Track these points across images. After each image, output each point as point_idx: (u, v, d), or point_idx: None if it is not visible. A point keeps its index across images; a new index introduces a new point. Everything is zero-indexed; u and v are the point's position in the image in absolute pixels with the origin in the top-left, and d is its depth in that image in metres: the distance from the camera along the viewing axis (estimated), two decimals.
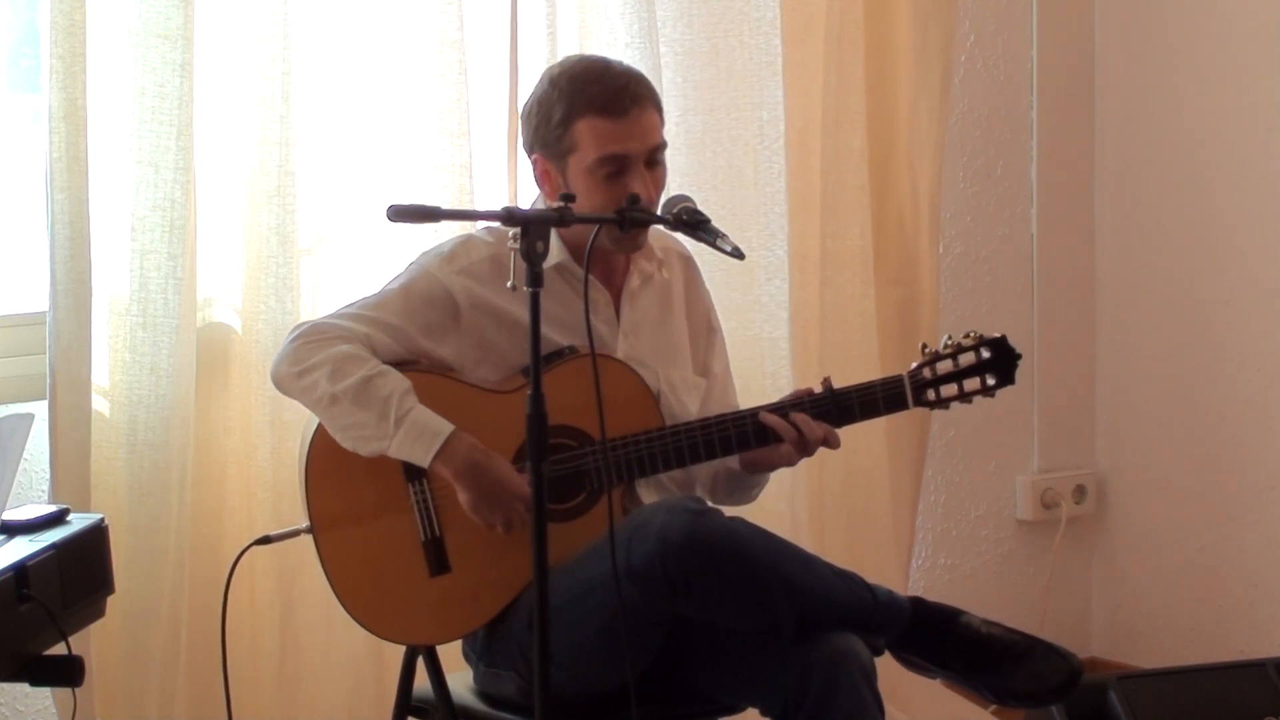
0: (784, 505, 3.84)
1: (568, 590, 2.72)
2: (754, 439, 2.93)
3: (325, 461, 2.87)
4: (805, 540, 3.75)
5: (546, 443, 2.50)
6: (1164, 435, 4.46)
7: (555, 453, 2.86)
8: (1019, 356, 3.00)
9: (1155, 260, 4.45)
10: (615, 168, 2.89)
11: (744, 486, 3.10)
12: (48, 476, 3.14)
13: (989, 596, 4.36)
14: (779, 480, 3.81)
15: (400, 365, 2.87)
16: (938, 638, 2.90)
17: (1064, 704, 3.57)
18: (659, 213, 2.88)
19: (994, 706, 3.80)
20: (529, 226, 2.49)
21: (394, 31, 3.41)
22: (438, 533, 2.88)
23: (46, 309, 3.11)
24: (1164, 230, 4.43)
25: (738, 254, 2.78)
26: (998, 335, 3.00)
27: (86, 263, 3.11)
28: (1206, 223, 4.34)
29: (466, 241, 2.98)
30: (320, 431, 2.87)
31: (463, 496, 2.83)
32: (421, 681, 3.00)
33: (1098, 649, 4.60)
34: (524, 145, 3.01)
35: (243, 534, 3.31)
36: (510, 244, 2.50)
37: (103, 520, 2.70)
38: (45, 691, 3.21)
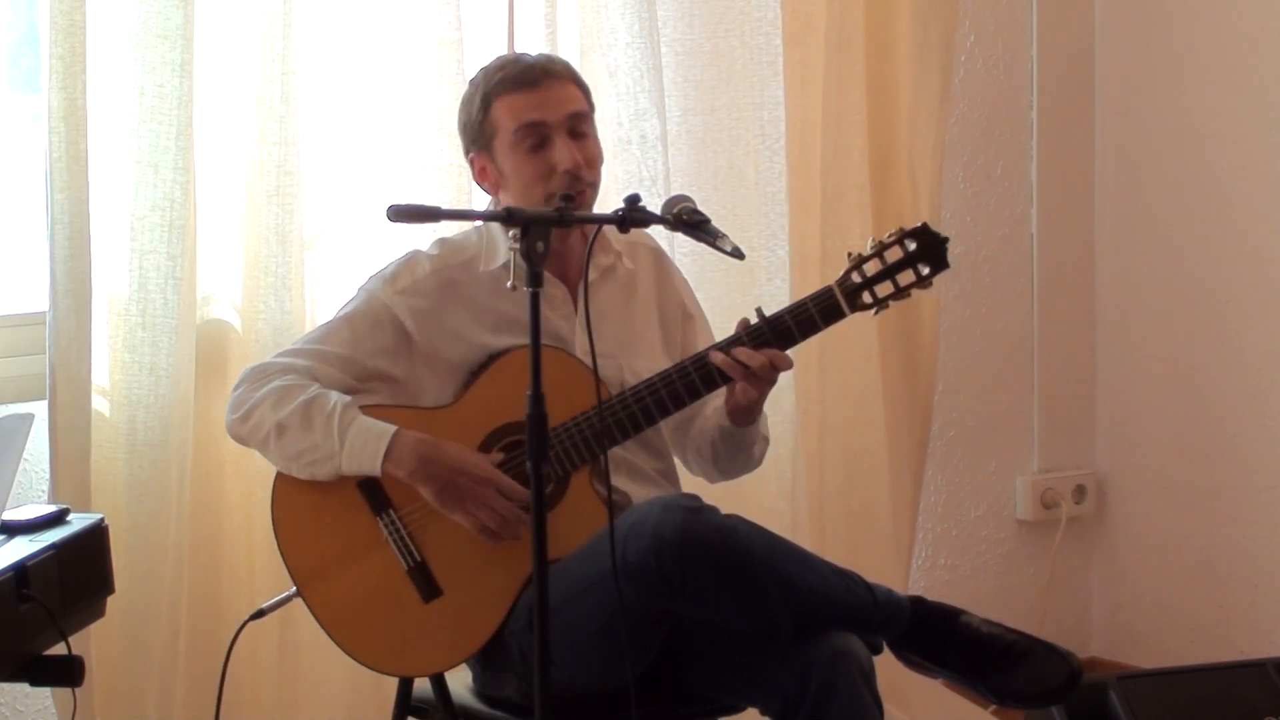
0: (784, 505, 3.84)
1: (565, 590, 2.71)
2: (702, 385, 2.90)
3: (291, 520, 2.87)
4: (805, 540, 3.75)
5: (547, 443, 2.49)
6: (1164, 435, 4.46)
7: (514, 450, 2.85)
8: (946, 240, 2.93)
9: (1155, 260, 4.45)
10: (535, 138, 2.93)
11: (743, 445, 3.06)
12: (48, 476, 3.14)
13: (989, 596, 4.36)
14: (779, 480, 3.82)
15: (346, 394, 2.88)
16: (938, 637, 2.89)
17: (1064, 704, 3.57)
18: (660, 210, 2.88)
19: (994, 706, 3.79)
20: (529, 226, 2.49)
21: (393, 32, 3.42)
22: (419, 559, 2.87)
23: (46, 309, 3.11)
24: (1164, 230, 4.43)
25: (738, 254, 2.78)
26: (919, 224, 2.93)
27: (86, 263, 3.11)
28: (1207, 222, 4.34)
29: (410, 260, 2.99)
30: (277, 493, 2.88)
31: (425, 493, 2.83)
32: (421, 682, 2.99)
33: (1098, 649, 4.60)
34: (464, 153, 3.06)
35: (241, 534, 3.31)
36: (510, 244, 2.50)
37: (103, 520, 2.70)
38: (45, 691, 3.21)
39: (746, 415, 2.98)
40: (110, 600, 2.74)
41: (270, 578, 3.30)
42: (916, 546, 4.26)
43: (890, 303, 2.93)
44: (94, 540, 2.66)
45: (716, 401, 3.00)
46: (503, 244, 2.96)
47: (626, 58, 3.56)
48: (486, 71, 3.02)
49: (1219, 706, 3.66)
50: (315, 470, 2.83)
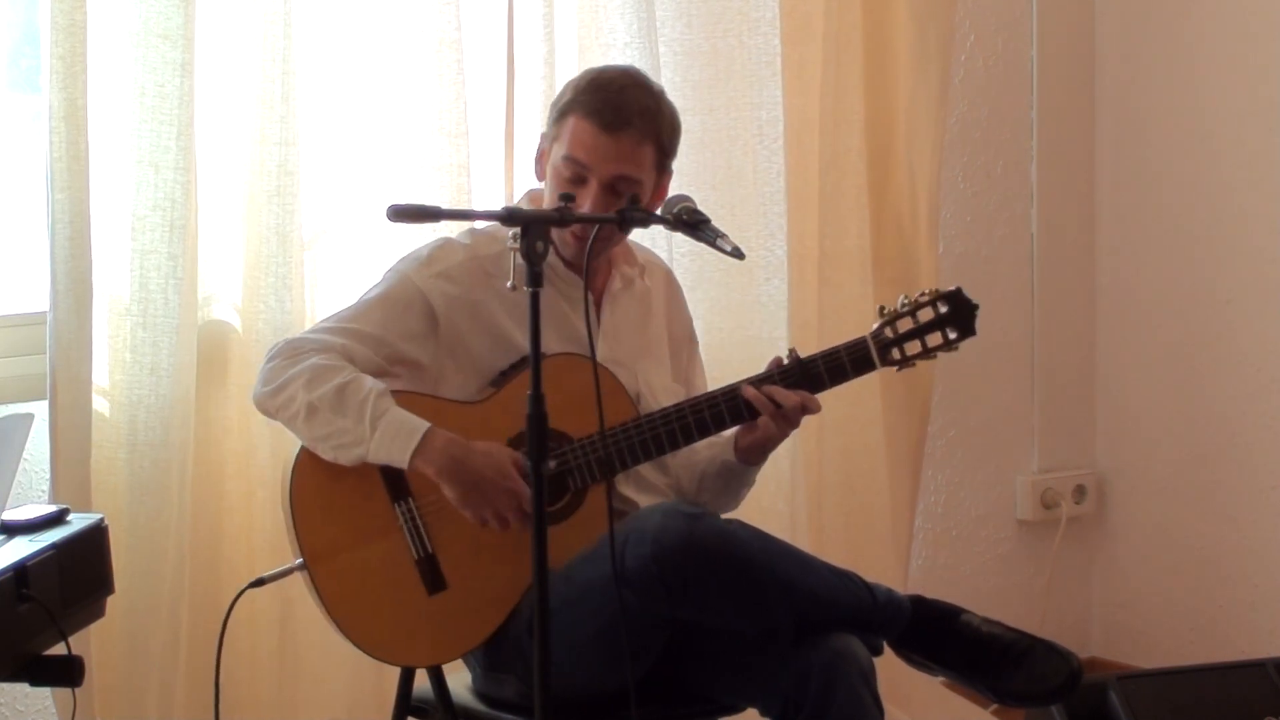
0: (783, 505, 3.84)
1: (566, 594, 2.71)
2: (729, 417, 2.92)
3: (309, 493, 2.86)
4: (804, 540, 3.75)
5: (547, 443, 2.49)
6: (1164, 435, 4.46)
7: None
8: (976, 306, 2.98)
9: (1155, 260, 4.45)
10: (573, 173, 2.90)
11: (741, 483, 3.09)
12: (48, 476, 3.14)
13: (989, 596, 4.36)
14: (778, 480, 3.82)
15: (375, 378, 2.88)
16: (938, 636, 2.90)
17: (1064, 704, 3.57)
18: (660, 210, 2.88)
19: (994, 706, 3.80)
20: (529, 226, 2.49)
21: (393, 32, 3.42)
22: (430, 551, 2.87)
23: (46, 309, 3.11)
24: (1164, 230, 4.43)
25: (738, 254, 2.78)
26: (953, 288, 2.98)
27: (87, 263, 3.11)
28: (1207, 222, 4.34)
29: (444, 245, 2.99)
30: (300, 465, 2.86)
31: (448, 493, 2.83)
32: (421, 682, 3.00)
33: (1098, 649, 4.60)
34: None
35: (242, 534, 3.31)
36: (510, 244, 2.50)
37: (103, 520, 2.70)
38: (45, 691, 3.21)
39: (759, 455, 3.01)
40: (110, 600, 2.73)
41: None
42: (916, 546, 4.26)
43: (915, 362, 2.97)
44: (94, 540, 2.66)
45: (712, 436, 2.99)
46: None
47: (625, 58, 3.56)
48: (592, 77, 2.96)
49: (1219, 706, 3.66)
50: (340, 454, 2.82)
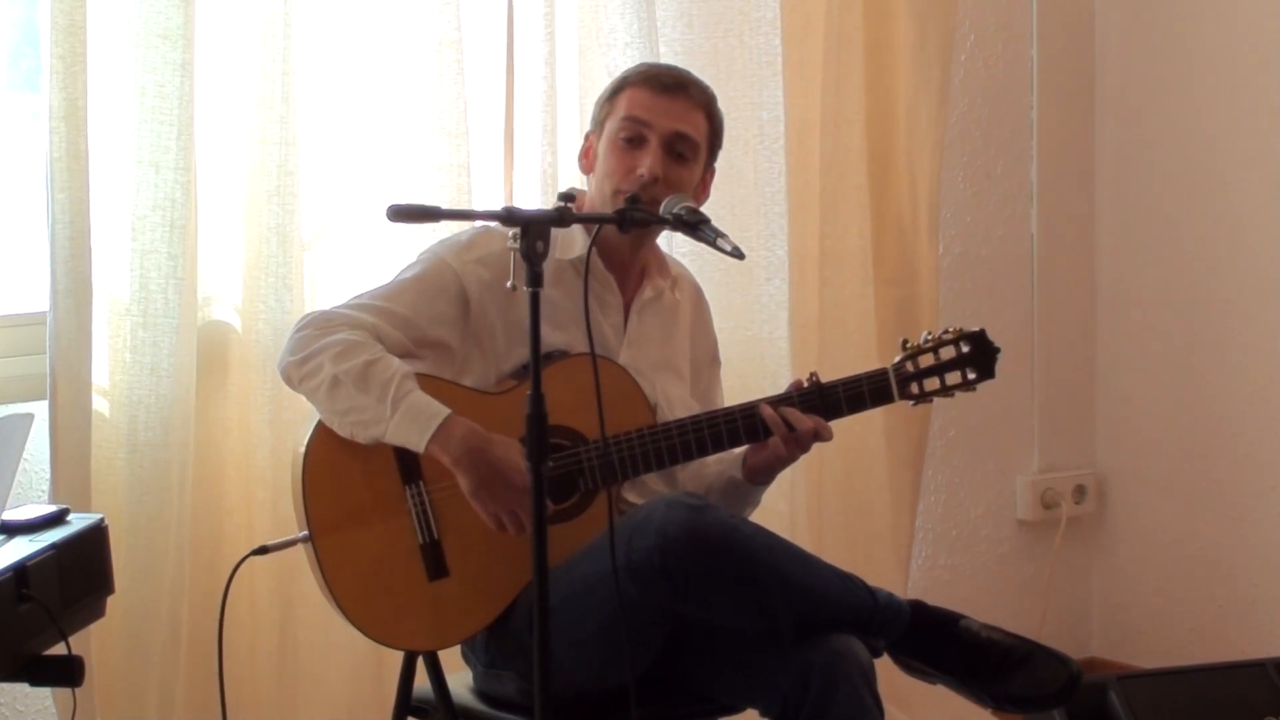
0: (784, 505, 3.84)
1: (567, 588, 2.72)
2: (744, 434, 2.93)
3: (321, 467, 2.86)
4: (804, 539, 3.75)
5: (548, 443, 2.49)
6: (1164, 435, 4.46)
7: (550, 453, 2.86)
8: (997, 350, 3.02)
9: (1155, 260, 4.45)
10: (633, 133, 2.96)
11: (746, 501, 3.09)
12: (48, 476, 3.13)
13: (989, 596, 4.36)
14: (779, 480, 3.81)
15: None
16: (937, 642, 2.90)
17: (1064, 707, 3.56)
18: (660, 210, 2.89)
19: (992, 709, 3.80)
20: (529, 226, 2.49)
21: (393, 32, 3.42)
22: (435, 537, 2.87)
23: (46, 309, 3.11)
24: (1164, 230, 4.43)
25: (737, 254, 2.78)
26: (976, 330, 3.02)
27: (87, 263, 3.11)
28: (1207, 222, 4.34)
29: (485, 232, 2.98)
30: (315, 438, 2.86)
31: (462, 482, 2.82)
32: (421, 681, 3.00)
33: (1098, 649, 4.60)
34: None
35: (242, 534, 3.31)
36: (510, 244, 2.50)
37: (102, 520, 2.70)
38: (45, 691, 3.21)
39: (766, 475, 3.02)
40: (110, 600, 2.73)
41: (271, 578, 3.30)
42: (916, 546, 4.26)
43: (933, 398, 3.01)
44: (94, 540, 2.66)
45: (724, 452, 3.01)
46: (580, 238, 2.97)
47: (625, 58, 3.56)
48: (638, 66, 3.12)
49: (1219, 706, 3.66)
50: (358, 431, 2.82)
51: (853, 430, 4.00)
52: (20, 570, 2.45)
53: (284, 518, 3.14)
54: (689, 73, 3.08)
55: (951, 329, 3.02)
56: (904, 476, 4.13)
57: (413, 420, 2.80)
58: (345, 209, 3.43)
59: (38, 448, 3.14)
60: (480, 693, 2.99)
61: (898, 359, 2.99)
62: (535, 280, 2.48)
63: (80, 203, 3.09)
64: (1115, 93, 4.50)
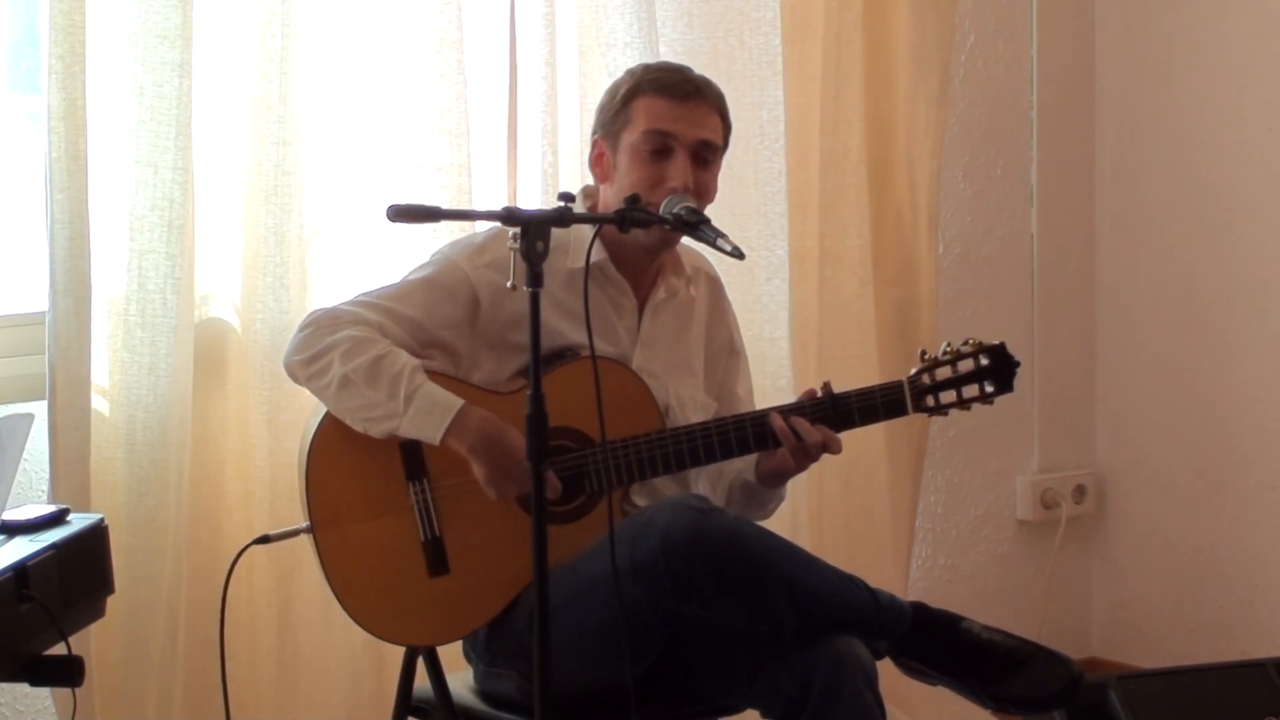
0: (784, 506, 3.82)
1: (570, 588, 2.72)
2: (754, 442, 2.93)
3: (326, 460, 2.86)
4: (804, 539, 3.75)
5: (547, 443, 2.49)
6: (1164, 435, 4.46)
7: (555, 454, 2.86)
8: (1018, 364, 2.99)
9: (1155, 260, 4.45)
10: (659, 145, 2.93)
11: (758, 502, 3.10)
12: (48, 476, 3.13)
13: (989, 596, 4.36)
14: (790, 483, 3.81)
15: None
16: (938, 643, 2.90)
17: (1064, 708, 3.56)
18: (660, 210, 2.89)
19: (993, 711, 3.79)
20: (529, 226, 2.49)
21: (393, 32, 3.41)
22: (437, 533, 2.87)
23: (46, 309, 3.11)
24: (1164, 230, 4.43)
25: (738, 254, 2.78)
26: (997, 343, 2.99)
27: (86, 263, 3.10)
28: (1206, 222, 4.34)
29: (499, 234, 2.96)
30: (321, 430, 2.86)
31: (478, 470, 2.82)
32: (421, 681, 3.00)
33: (1098, 649, 4.60)
34: (592, 133, 3.06)
35: (241, 533, 3.31)
36: (510, 244, 2.50)
37: (102, 520, 2.70)
38: (45, 691, 3.21)
39: (778, 480, 3.02)
40: (110, 600, 2.73)
41: (270, 578, 3.30)
42: (916, 546, 4.26)
43: (949, 410, 2.98)
44: (94, 540, 2.66)
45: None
46: (598, 242, 2.94)
47: (626, 58, 3.56)
48: (646, 66, 3.06)
49: (1219, 706, 3.66)
50: (371, 427, 2.82)
51: (854, 433, 3.99)
52: (20, 570, 2.45)
53: (282, 517, 3.15)
54: (696, 72, 3.05)
55: (971, 341, 2.98)
56: (904, 478, 4.13)
57: (427, 413, 2.80)
58: (344, 209, 3.43)
59: (37, 448, 3.14)
60: (480, 692, 2.99)
61: (914, 371, 2.96)
62: (535, 280, 2.48)
63: (79, 203, 3.09)
64: (1115, 93, 4.50)
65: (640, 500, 2.99)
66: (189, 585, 3.24)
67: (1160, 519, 4.48)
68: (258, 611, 3.32)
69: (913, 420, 4.08)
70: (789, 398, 3.83)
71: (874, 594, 2.87)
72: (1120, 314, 4.53)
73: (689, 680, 2.93)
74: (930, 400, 2.97)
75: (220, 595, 2.93)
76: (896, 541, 4.12)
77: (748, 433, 2.93)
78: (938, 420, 4.22)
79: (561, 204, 2.61)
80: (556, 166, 3.56)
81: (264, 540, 2.93)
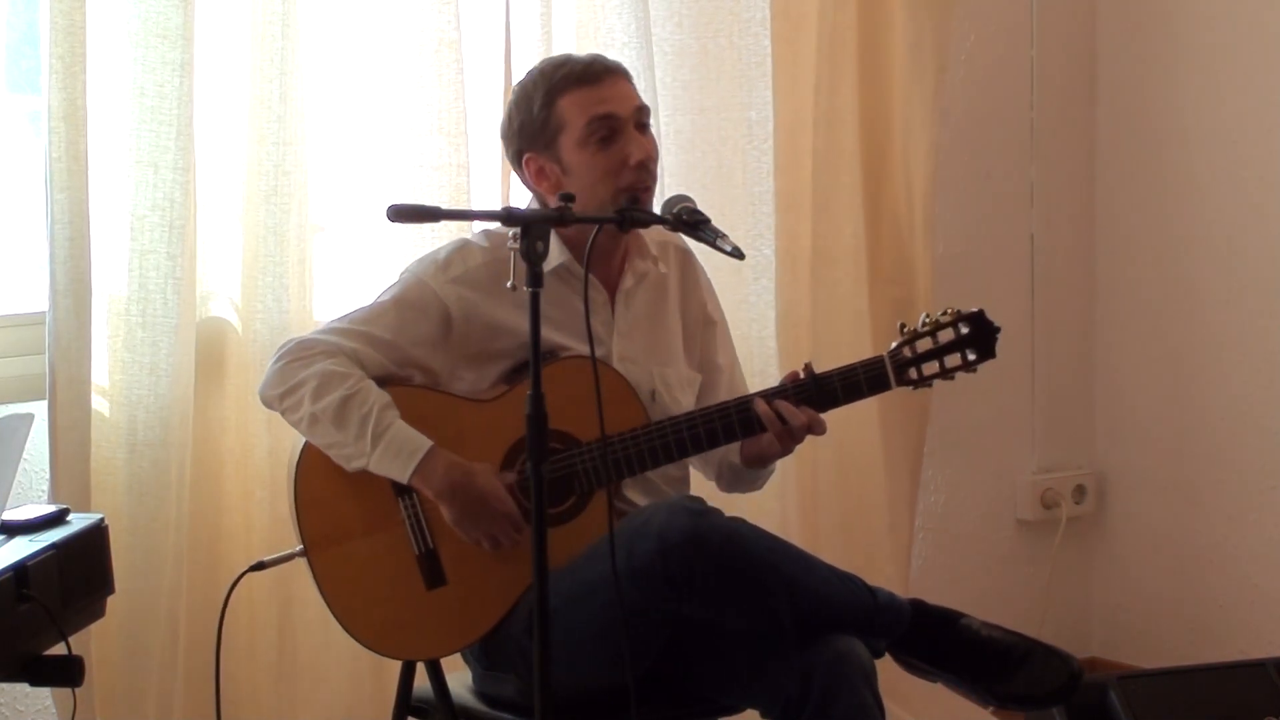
0: (775, 503, 3.82)
1: (568, 592, 2.71)
2: (739, 429, 2.93)
3: (313, 482, 2.87)
4: (797, 538, 3.74)
5: (547, 443, 2.49)
6: (1164, 435, 4.46)
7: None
8: (998, 329, 2.97)
9: (1155, 260, 4.45)
10: (606, 130, 2.91)
11: (749, 480, 3.12)
12: (48, 476, 3.13)
13: (989, 596, 4.36)
14: (772, 479, 3.80)
15: (384, 380, 2.88)
16: (938, 640, 2.90)
17: (1064, 705, 3.56)
18: (660, 204, 2.89)
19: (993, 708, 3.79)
20: (529, 226, 2.49)
21: (392, 32, 3.42)
22: (431, 545, 2.87)
23: (46, 309, 3.11)
24: (1164, 230, 4.43)
25: (738, 254, 2.78)
26: (975, 310, 2.97)
27: (86, 263, 3.11)
28: (1206, 223, 4.34)
29: (462, 249, 2.97)
30: (306, 452, 2.87)
31: (445, 513, 2.84)
32: (421, 681, 3.00)
33: (1098, 649, 4.60)
34: (513, 157, 3.00)
35: (240, 533, 3.32)
36: (510, 244, 2.49)
37: (103, 520, 2.70)
38: (45, 691, 3.21)
39: (762, 463, 3.02)
40: (110, 600, 2.74)
41: (269, 577, 3.29)
42: (916, 546, 4.26)
43: (933, 381, 2.96)
44: (94, 540, 2.66)
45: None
46: (555, 249, 2.94)
47: (622, 58, 3.54)
48: (541, 71, 2.99)
49: (1219, 706, 3.66)
50: (343, 463, 2.84)
51: (849, 432, 4.00)
52: (20, 570, 2.45)
53: (282, 516, 3.15)
54: (588, 54, 3.04)
55: (949, 310, 2.96)
56: (903, 476, 4.13)
57: (394, 456, 2.81)
58: (344, 209, 3.44)
59: (37, 448, 3.14)
60: (480, 693, 2.99)
61: (894, 345, 2.95)
62: (535, 280, 2.48)
63: (80, 203, 3.09)
64: (1115, 93, 4.50)
65: (633, 495, 2.99)
66: (189, 585, 3.24)
67: (1160, 519, 4.48)
68: (257, 612, 3.32)
69: (910, 417, 4.10)
70: None
71: (872, 592, 2.87)
72: (1120, 314, 4.53)
73: (688, 680, 2.93)
74: (913, 373, 2.95)
75: (218, 599, 2.93)
76: (896, 541, 4.11)
77: (733, 420, 2.92)
78: (937, 420, 4.25)
79: (562, 204, 2.61)
80: None
81: (259, 567, 2.94)
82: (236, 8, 3.28)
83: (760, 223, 3.82)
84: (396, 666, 3.02)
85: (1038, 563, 4.54)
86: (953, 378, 2.98)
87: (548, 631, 2.47)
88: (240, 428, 3.33)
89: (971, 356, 2.96)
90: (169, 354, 3.20)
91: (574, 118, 2.92)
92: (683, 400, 3.04)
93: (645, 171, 2.94)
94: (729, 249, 2.77)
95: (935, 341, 2.95)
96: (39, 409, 3.03)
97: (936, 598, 3.01)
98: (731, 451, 3.03)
